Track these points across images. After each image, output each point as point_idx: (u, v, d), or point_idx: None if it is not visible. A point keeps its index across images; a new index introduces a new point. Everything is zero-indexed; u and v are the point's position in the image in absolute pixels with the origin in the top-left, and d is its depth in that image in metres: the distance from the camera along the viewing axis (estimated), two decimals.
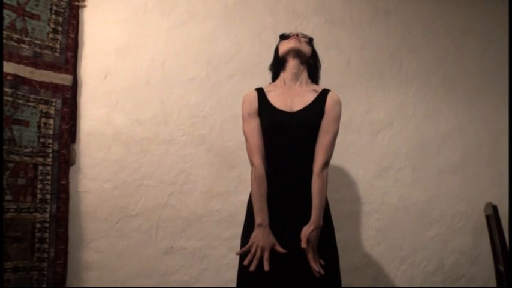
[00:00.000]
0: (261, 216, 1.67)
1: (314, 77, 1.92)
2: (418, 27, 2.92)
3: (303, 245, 1.60)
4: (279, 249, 1.63)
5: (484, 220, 2.70)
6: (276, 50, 1.93)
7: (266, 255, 1.60)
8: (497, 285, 2.57)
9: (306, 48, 1.86)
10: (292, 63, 1.85)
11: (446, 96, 2.90)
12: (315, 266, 1.59)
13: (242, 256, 1.69)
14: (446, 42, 2.96)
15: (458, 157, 2.86)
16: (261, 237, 1.63)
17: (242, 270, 1.69)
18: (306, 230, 1.63)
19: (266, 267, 1.57)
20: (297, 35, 1.85)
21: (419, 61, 2.89)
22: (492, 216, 2.41)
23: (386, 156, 2.73)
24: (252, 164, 1.77)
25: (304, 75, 1.87)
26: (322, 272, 1.59)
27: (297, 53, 1.83)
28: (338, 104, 1.81)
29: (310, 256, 1.61)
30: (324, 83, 1.98)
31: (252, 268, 1.59)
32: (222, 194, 2.42)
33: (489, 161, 2.91)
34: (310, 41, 1.91)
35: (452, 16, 3.00)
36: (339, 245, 1.80)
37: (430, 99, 2.87)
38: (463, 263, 2.76)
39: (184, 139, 2.41)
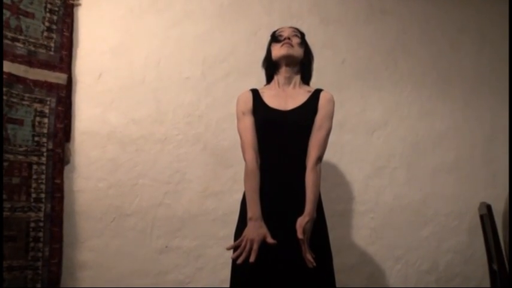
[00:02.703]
0: (252, 210, 1.68)
1: (308, 75, 1.94)
2: (413, 27, 2.93)
3: (299, 235, 1.60)
4: (270, 240, 1.62)
5: (478, 219, 2.71)
6: (269, 49, 1.94)
7: (255, 246, 1.60)
8: (491, 284, 2.58)
9: (298, 52, 1.87)
10: (285, 69, 1.87)
11: (441, 96, 2.91)
12: (310, 257, 1.59)
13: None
14: (441, 42, 2.97)
15: (453, 157, 2.87)
16: (252, 230, 1.64)
17: (235, 267, 1.69)
18: (301, 221, 1.64)
19: (252, 259, 1.57)
20: (289, 38, 1.85)
21: (415, 61, 2.89)
22: (486, 215, 2.42)
23: (381, 156, 2.74)
24: (244, 159, 1.79)
25: (298, 77, 1.89)
26: (314, 264, 1.58)
27: (289, 59, 1.85)
28: (331, 101, 1.84)
29: (304, 248, 1.61)
30: (319, 82, 1.98)
31: (239, 261, 1.59)
32: (217, 193, 2.42)
33: (484, 160, 2.92)
34: (302, 38, 1.91)
35: (448, 16, 3.01)
36: (333, 245, 1.80)
37: (425, 99, 2.88)
38: (457, 262, 2.77)
39: (180, 138, 2.41)
